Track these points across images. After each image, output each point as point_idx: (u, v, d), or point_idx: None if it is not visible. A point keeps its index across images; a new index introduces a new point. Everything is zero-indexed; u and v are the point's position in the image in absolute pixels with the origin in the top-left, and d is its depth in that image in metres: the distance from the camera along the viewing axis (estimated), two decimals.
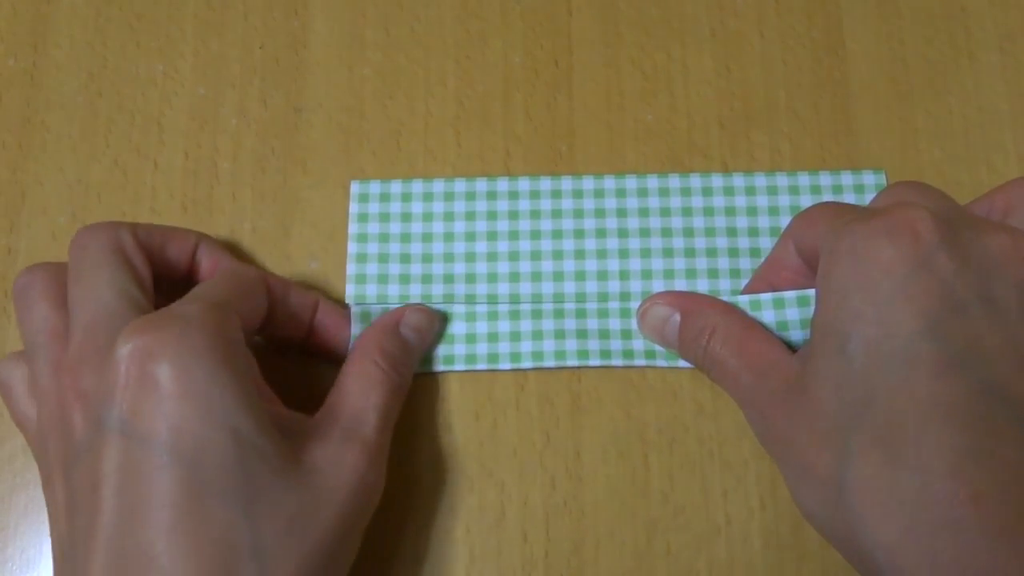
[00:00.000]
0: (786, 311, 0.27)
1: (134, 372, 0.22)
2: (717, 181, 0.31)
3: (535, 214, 0.31)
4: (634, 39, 0.33)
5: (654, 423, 0.29)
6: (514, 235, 0.31)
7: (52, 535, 0.24)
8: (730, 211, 0.31)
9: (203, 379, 0.22)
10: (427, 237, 0.31)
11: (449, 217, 0.31)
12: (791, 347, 0.26)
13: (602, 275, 0.30)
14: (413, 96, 0.32)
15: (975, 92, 0.32)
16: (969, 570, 0.19)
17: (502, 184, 0.31)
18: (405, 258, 0.30)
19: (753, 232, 0.30)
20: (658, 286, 0.30)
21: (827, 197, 0.31)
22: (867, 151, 0.32)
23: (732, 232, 0.31)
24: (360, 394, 0.26)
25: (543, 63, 0.33)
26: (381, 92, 0.33)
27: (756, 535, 0.28)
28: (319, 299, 0.29)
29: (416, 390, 0.29)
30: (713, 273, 0.30)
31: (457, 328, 0.30)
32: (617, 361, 0.29)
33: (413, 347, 0.28)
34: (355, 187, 0.31)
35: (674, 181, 0.31)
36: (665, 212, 0.31)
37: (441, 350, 0.30)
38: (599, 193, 0.31)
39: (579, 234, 0.31)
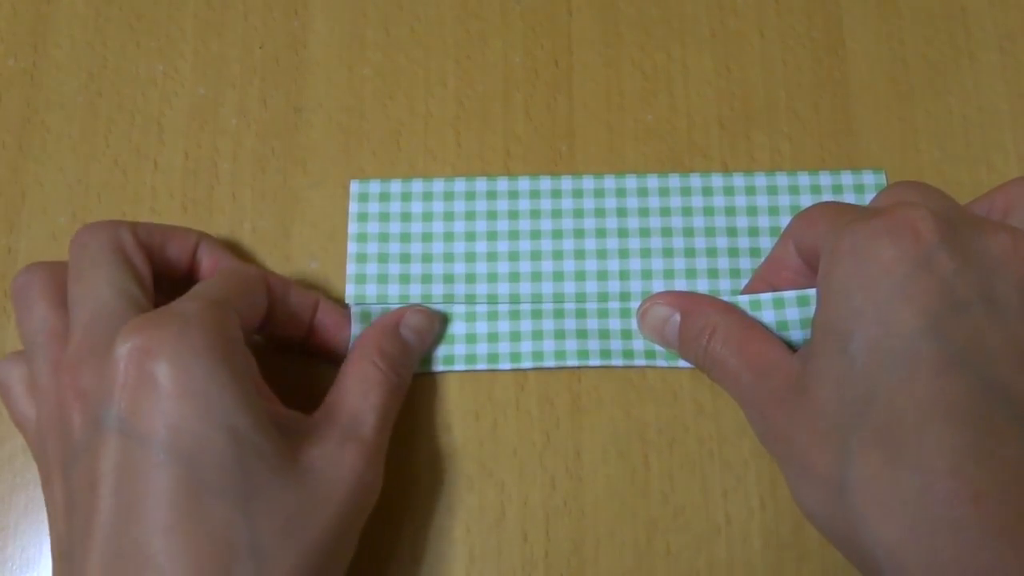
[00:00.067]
0: (786, 311, 0.27)
1: (133, 371, 0.22)
2: (717, 181, 0.31)
3: (535, 214, 0.31)
4: (634, 39, 0.33)
5: (654, 423, 0.29)
6: (514, 235, 0.31)
7: (51, 534, 0.24)
8: (730, 211, 0.31)
9: (201, 377, 0.22)
10: (427, 237, 0.31)
11: (449, 217, 0.31)
12: (791, 347, 0.26)
13: (602, 275, 0.30)
14: (413, 96, 0.32)
15: (975, 92, 0.32)
16: (970, 569, 0.19)
17: (502, 184, 0.31)
18: (405, 258, 0.30)
19: (753, 232, 0.30)
20: (658, 286, 0.30)
21: (827, 197, 0.31)
22: (867, 151, 0.32)
23: (732, 232, 0.31)
24: (359, 394, 0.26)
25: (543, 63, 0.33)
26: (381, 92, 0.33)
27: (756, 535, 0.28)
28: (319, 298, 0.29)
29: (416, 390, 0.29)
30: (713, 273, 0.30)
31: (457, 328, 0.30)
32: (617, 361, 0.29)
33: (413, 348, 0.28)
34: (355, 186, 0.31)
35: (674, 181, 0.31)
36: (665, 212, 0.31)
37: (441, 350, 0.30)
38: (599, 193, 0.31)
39: (579, 234, 0.31)
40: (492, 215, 0.31)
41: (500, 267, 0.30)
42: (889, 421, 0.21)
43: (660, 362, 0.29)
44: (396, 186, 0.31)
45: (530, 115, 0.32)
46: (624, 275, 0.30)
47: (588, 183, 0.31)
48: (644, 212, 0.31)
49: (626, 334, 0.30)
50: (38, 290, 0.25)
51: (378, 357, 0.27)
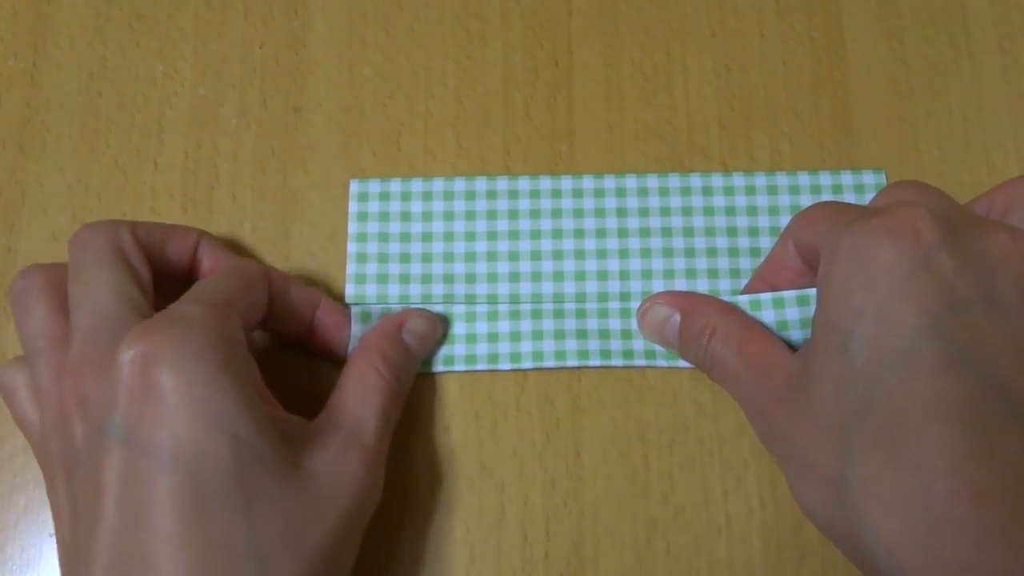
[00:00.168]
0: (786, 311, 0.27)
1: (135, 380, 0.22)
2: (717, 181, 0.31)
3: (535, 213, 0.31)
4: (634, 39, 0.33)
5: (654, 423, 0.29)
6: (514, 235, 0.31)
7: (57, 536, 0.24)
8: (730, 211, 0.31)
9: (204, 385, 0.22)
10: (427, 237, 0.31)
11: (449, 216, 0.31)
12: (791, 347, 0.26)
13: (602, 275, 0.30)
14: (413, 96, 0.32)
15: (975, 92, 0.32)
16: (971, 568, 0.19)
17: (502, 183, 0.31)
18: (405, 258, 0.30)
19: (753, 232, 0.30)
20: (658, 286, 0.30)
21: (827, 197, 0.31)
22: (867, 151, 0.32)
23: (732, 232, 0.31)
24: (360, 400, 0.26)
25: (543, 63, 0.33)
26: (381, 92, 0.33)
27: (756, 535, 0.28)
28: (320, 296, 0.29)
29: (416, 390, 0.29)
30: (713, 273, 0.30)
31: (457, 328, 0.30)
32: (617, 361, 0.29)
33: (415, 353, 0.29)
34: (354, 186, 0.31)
35: (674, 181, 0.31)
36: (665, 212, 0.31)
37: (441, 350, 0.30)
38: (599, 192, 0.31)
39: (579, 234, 0.31)
40: (492, 215, 0.31)
41: (500, 267, 0.30)
42: (889, 420, 0.21)
43: (660, 362, 0.29)
44: (396, 185, 0.31)
45: (530, 115, 0.32)
46: (624, 275, 0.30)
47: (588, 183, 0.31)
48: (644, 212, 0.31)
49: (626, 334, 0.30)
50: (37, 293, 0.25)
51: (380, 362, 0.27)
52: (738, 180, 0.31)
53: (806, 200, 0.31)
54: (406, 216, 0.31)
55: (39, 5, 0.33)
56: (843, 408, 0.22)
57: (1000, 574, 0.19)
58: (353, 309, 0.30)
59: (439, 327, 0.29)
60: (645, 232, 0.31)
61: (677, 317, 0.28)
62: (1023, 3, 0.33)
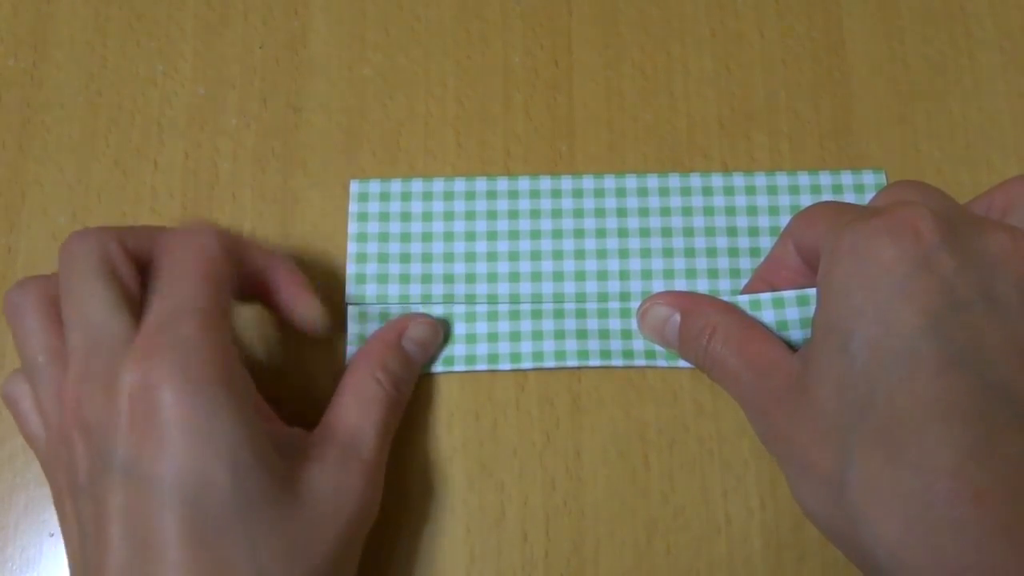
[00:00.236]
0: (786, 311, 0.27)
1: (135, 410, 0.22)
2: (717, 181, 0.31)
3: (535, 214, 0.31)
4: (634, 39, 0.33)
5: (654, 423, 0.29)
6: (514, 235, 0.31)
7: (67, 551, 0.24)
8: (730, 211, 0.31)
9: (204, 413, 0.22)
10: (427, 237, 0.31)
11: (449, 216, 0.31)
12: (791, 347, 0.26)
13: (602, 275, 0.30)
14: (413, 96, 0.32)
15: (975, 92, 0.32)
16: (971, 568, 0.19)
17: (502, 183, 0.31)
18: (405, 258, 0.30)
19: (753, 232, 0.30)
20: (658, 286, 0.30)
21: (827, 197, 0.31)
22: (867, 151, 0.32)
23: (732, 232, 0.31)
24: (359, 411, 0.26)
25: (543, 63, 0.33)
26: (381, 92, 0.33)
27: (756, 535, 0.28)
28: (279, 260, 0.28)
29: (416, 390, 0.29)
30: (713, 273, 0.30)
31: (457, 328, 0.30)
32: (617, 361, 0.29)
33: (415, 362, 0.29)
34: (354, 186, 0.31)
35: (674, 181, 0.31)
36: (665, 212, 0.31)
37: (442, 350, 0.30)
38: (599, 193, 0.31)
39: (579, 234, 0.31)
40: (492, 215, 0.31)
41: (500, 267, 0.30)
42: (890, 420, 0.21)
43: (660, 362, 0.29)
44: (396, 186, 0.31)
45: (530, 115, 0.32)
46: (624, 275, 0.30)
47: (588, 183, 0.31)
48: (644, 212, 0.31)
49: (626, 334, 0.30)
50: (32, 308, 0.25)
51: (381, 373, 0.27)
52: (738, 180, 0.31)
53: (806, 200, 0.31)
54: (406, 216, 0.31)
55: (39, 5, 0.33)
56: (843, 408, 0.22)
57: (1000, 574, 0.19)
58: (349, 310, 0.30)
59: (440, 333, 0.29)
60: (645, 232, 0.31)
61: (677, 317, 0.28)
62: (1023, 3, 0.33)
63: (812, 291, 0.26)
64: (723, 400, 0.29)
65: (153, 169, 0.32)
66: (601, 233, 0.31)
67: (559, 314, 0.30)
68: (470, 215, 0.31)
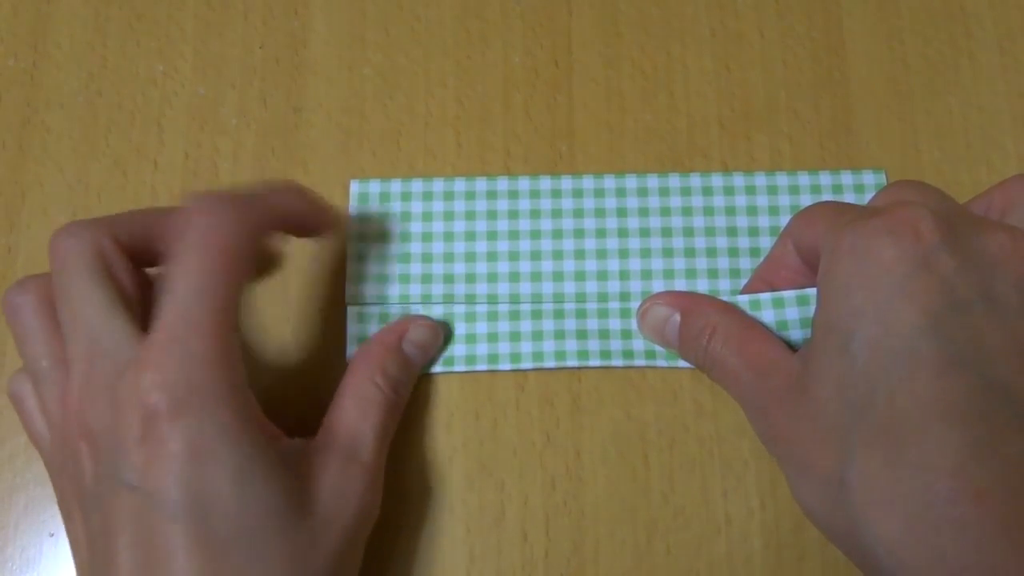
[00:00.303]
0: (785, 310, 0.27)
1: (141, 428, 0.22)
2: (717, 181, 0.31)
3: (535, 214, 0.31)
4: (634, 39, 0.33)
5: (654, 423, 0.29)
6: (514, 235, 0.31)
7: (75, 558, 0.24)
8: (730, 211, 0.31)
9: (213, 437, 0.22)
10: (427, 237, 0.31)
11: (449, 217, 0.31)
12: (791, 346, 0.26)
13: (602, 275, 0.30)
14: (413, 96, 0.32)
15: (975, 92, 0.32)
16: (973, 568, 0.19)
17: (502, 183, 0.31)
18: (404, 258, 0.30)
19: (753, 232, 0.30)
20: (658, 286, 0.30)
21: (827, 197, 0.31)
22: (867, 151, 0.32)
23: (732, 232, 0.31)
24: (358, 414, 0.26)
25: (543, 63, 0.33)
26: (381, 92, 0.33)
27: (756, 535, 0.28)
28: (290, 199, 0.27)
29: (416, 390, 0.29)
30: (713, 273, 0.30)
31: (457, 328, 0.30)
32: (617, 361, 0.29)
33: (415, 364, 0.29)
34: (355, 186, 0.31)
35: (674, 180, 0.31)
36: (665, 212, 0.31)
37: (442, 351, 0.30)
38: (599, 193, 0.31)
39: (579, 234, 0.31)
40: (492, 215, 0.31)
41: (500, 267, 0.30)
42: (890, 420, 0.21)
43: (660, 362, 0.29)
44: (396, 186, 0.31)
45: (530, 115, 0.32)
46: (624, 275, 0.30)
47: (588, 183, 0.31)
48: (644, 212, 0.31)
49: (626, 334, 0.30)
50: (32, 309, 0.25)
51: (380, 376, 0.27)
52: (738, 180, 0.31)
53: (806, 200, 0.31)
54: (406, 216, 0.31)
55: (39, 5, 0.33)
56: (843, 408, 0.22)
57: (1001, 573, 0.19)
58: (350, 309, 0.30)
59: (440, 335, 0.29)
60: (645, 232, 0.31)
61: (677, 317, 0.28)
62: (1023, 3, 0.33)
63: (812, 291, 0.26)
64: (723, 400, 0.29)
65: (153, 169, 0.32)
66: (601, 233, 0.31)
67: (559, 314, 0.30)
68: (470, 215, 0.31)
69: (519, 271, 0.30)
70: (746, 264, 0.30)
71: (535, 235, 0.31)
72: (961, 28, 0.33)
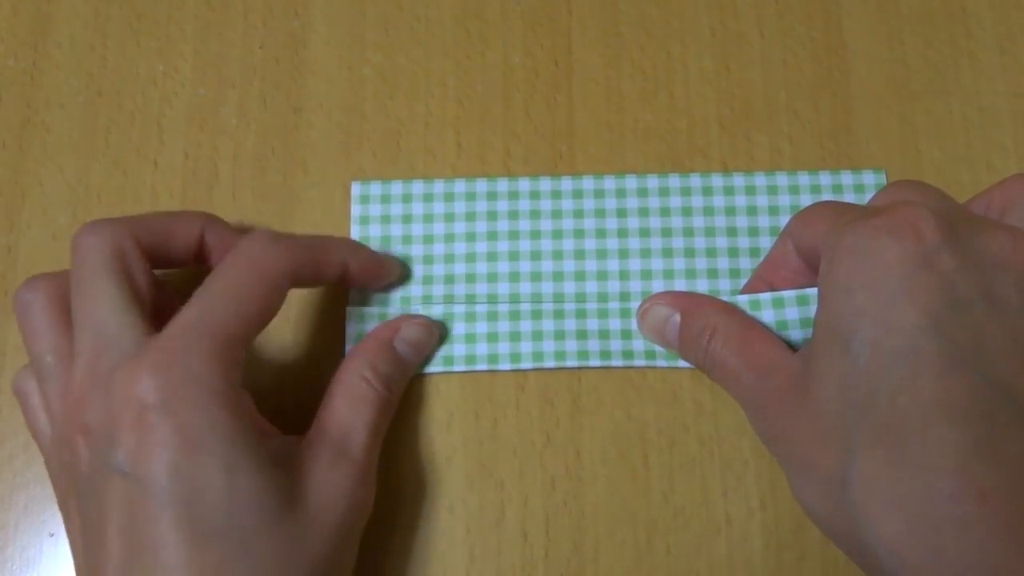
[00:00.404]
0: (785, 310, 0.27)
1: (134, 417, 0.22)
2: (717, 181, 0.31)
3: (535, 214, 0.31)
4: (634, 39, 0.33)
5: (654, 423, 0.29)
6: (514, 235, 0.31)
7: (72, 552, 0.25)
8: (730, 211, 0.31)
9: (203, 428, 0.22)
10: (428, 239, 0.31)
11: (450, 218, 0.31)
12: (791, 346, 0.26)
13: (602, 275, 0.30)
14: (413, 96, 0.32)
15: (975, 92, 0.32)
16: (975, 567, 0.19)
17: (502, 184, 0.31)
18: (406, 260, 0.30)
19: (753, 232, 0.30)
20: (658, 286, 0.30)
21: (827, 197, 0.31)
22: (867, 151, 0.32)
23: (732, 232, 0.31)
24: (349, 411, 0.26)
25: (543, 63, 0.33)
26: (381, 92, 0.33)
27: (756, 535, 0.28)
28: (347, 254, 0.28)
29: (417, 390, 0.29)
30: (713, 273, 0.30)
31: (457, 328, 0.30)
32: (617, 361, 0.29)
33: (408, 362, 0.28)
34: (356, 188, 0.31)
35: (674, 181, 0.31)
36: (665, 212, 0.31)
37: (441, 350, 0.30)
38: (599, 193, 0.31)
39: (579, 234, 0.31)
40: (492, 216, 0.31)
41: (500, 267, 0.30)
42: (892, 420, 0.21)
43: (660, 362, 0.29)
44: (397, 187, 0.31)
45: (530, 115, 0.32)
46: (624, 275, 0.30)
47: (588, 183, 0.31)
48: (644, 212, 0.31)
49: (626, 334, 0.30)
50: (41, 307, 0.25)
51: (370, 373, 0.27)
52: (738, 180, 0.31)
53: (806, 200, 0.31)
54: (407, 218, 0.31)
55: (39, 5, 0.33)
56: (845, 407, 0.22)
57: (1004, 573, 0.19)
58: (350, 310, 0.30)
59: (435, 334, 0.29)
60: (645, 232, 0.31)
61: (677, 317, 0.28)
62: (1023, 3, 0.33)
63: (812, 291, 0.26)
64: (723, 400, 0.29)
65: (153, 169, 0.32)
66: (601, 233, 0.31)
67: (559, 314, 0.30)
68: (470, 216, 0.31)
69: (519, 271, 0.30)
70: (746, 264, 0.30)
71: (535, 235, 0.31)
72: (961, 28, 0.33)
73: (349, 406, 0.26)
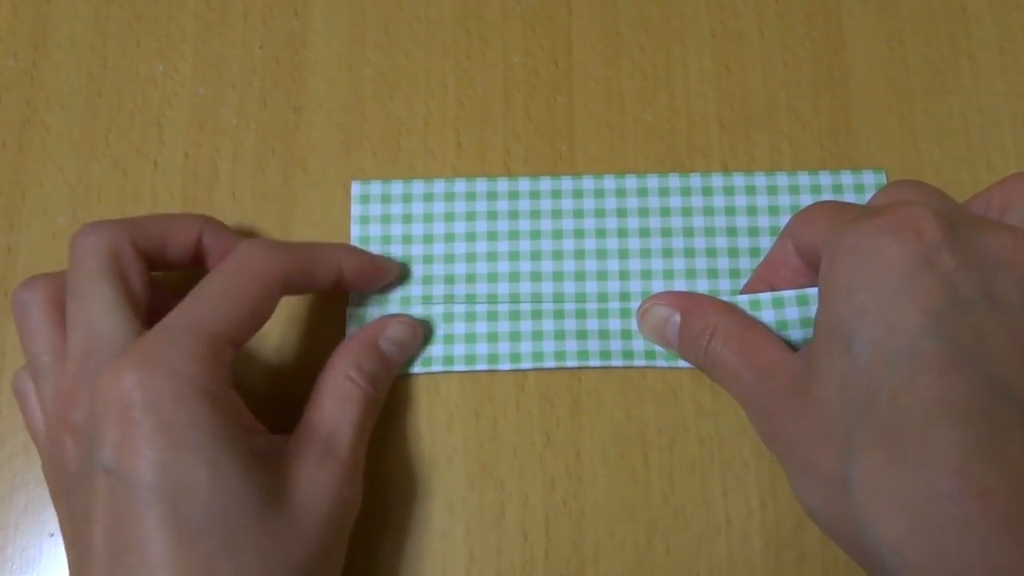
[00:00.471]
0: (785, 310, 0.27)
1: (118, 415, 0.22)
2: (717, 181, 0.31)
3: (535, 214, 0.31)
4: (634, 39, 0.33)
5: (654, 423, 0.29)
6: (514, 235, 0.31)
7: (65, 548, 0.25)
8: (730, 211, 0.31)
9: (186, 426, 0.22)
10: (428, 239, 0.31)
11: (450, 218, 0.31)
12: (791, 346, 0.26)
13: (602, 275, 0.30)
14: (413, 96, 0.32)
15: (975, 92, 0.32)
16: (976, 566, 0.19)
17: (502, 184, 0.31)
18: (406, 260, 0.30)
19: (753, 232, 0.30)
20: (658, 286, 0.30)
21: (827, 197, 0.31)
22: (867, 151, 0.32)
23: (732, 232, 0.31)
24: (335, 410, 0.26)
25: (543, 63, 0.33)
26: (381, 92, 0.33)
27: (756, 535, 0.28)
28: (343, 259, 0.28)
29: (417, 390, 0.29)
30: (713, 273, 0.30)
31: (457, 328, 0.30)
32: (617, 361, 0.29)
33: (392, 361, 0.28)
34: (356, 188, 0.31)
35: (674, 181, 0.31)
36: (665, 212, 0.31)
37: (441, 350, 0.30)
38: (599, 193, 0.31)
39: (579, 234, 0.31)
40: (492, 215, 0.31)
41: (500, 267, 0.30)
42: (893, 419, 0.21)
43: (660, 362, 0.29)
44: (397, 187, 0.31)
45: (530, 115, 0.32)
46: (624, 275, 0.30)
47: (588, 183, 0.31)
48: (644, 212, 0.31)
49: (626, 334, 0.30)
50: (39, 308, 0.26)
51: (355, 372, 0.27)
52: (738, 180, 0.31)
53: (806, 200, 0.31)
54: (407, 218, 0.31)
55: (39, 5, 0.33)
56: (846, 407, 0.22)
57: (1005, 572, 0.19)
58: (349, 310, 0.30)
59: (419, 333, 0.29)
60: (645, 232, 0.31)
61: (677, 317, 0.28)
62: (1023, 3, 0.33)
63: (812, 291, 0.26)
64: (723, 400, 0.29)
65: (153, 169, 0.32)
66: (601, 233, 0.31)
67: (559, 314, 0.30)
68: (471, 216, 0.31)
69: (519, 271, 0.30)
70: (746, 264, 0.30)
71: (535, 235, 0.31)
72: (961, 28, 0.33)
73: (335, 405, 0.26)
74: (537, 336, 0.30)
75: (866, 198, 0.31)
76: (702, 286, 0.30)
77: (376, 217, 0.31)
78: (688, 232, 0.31)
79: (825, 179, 0.31)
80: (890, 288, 0.21)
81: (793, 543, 0.28)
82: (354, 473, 0.26)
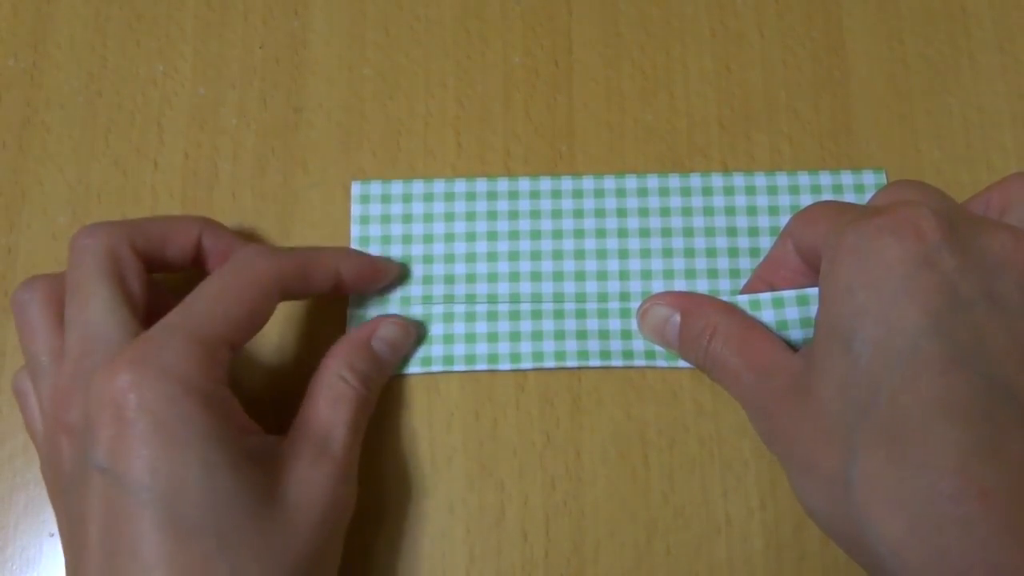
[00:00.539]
0: (785, 310, 0.27)
1: (112, 414, 0.22)
2: (717, 181, 0.31)
3: (535, 214, 0.31)
4: (634, 39, 0.33)
5: (654, 423, 0.29)
6: (514, 235, 0.31)
7: (62, 544, 0.25)
8: (730, 211, 0.31)
9: (178, 426, 0.22)
10: (428, 239, 0.31)
11: (450, 218, 0.31)
12: (791, 346, 0.26)
13: (602, 275, 0.30)
14: (413, 96, 0.32)
15: (975, 92, 0.32)
16: (977, 566, 0.19)
17: (502, 184, 0.31)
18: (406, 259, 0.30)
19: (753, 232, 0.30)
20: (658, 286, 0.30)
21: (827, 197, 0.31)
22: (867, 151, 0.32)
23: (732, 232, 0.31)
24: (329, 410, 0.26)
25: (543, 63, 0.33)
26: (381, 92, 0.33)
27: (756, 535, 0.28)
28: (341, 261, 0.28)
29: (417, 390, 0.29)
30: (713, 273, 0.30)
31: (457, 328, 0.30)
32: (617, 362, 0.29)
33: (385, 361, 0.29)
34: (356, 188, 0.31)
35: (674, 181, 0.31)
36: (665, 212, 0.31)
37: (441, 350, 0.30)
38: (599, 193, 0.31)
39: (579, 234, 0.31)
40: (492, 215, 0.31)
41: (500, 267, 0.30)
42: (893, 419, 0.21)
43: (660, 362, 0.29)
44: (397, 187, 0.31)
45: (530, 115, 0.32)
46: (624, 275, 0.30)
47: (588, 183, 0.31)
48: (644, 212, 0.31)
49: (626, 334, 0.30)
50: (38, 308, 0.26)
51: (347, 372, 0.27)
52: (738, 180, 0.31)
53: (806, 200, 0.31)
54: (407, 218, 0.31)
55: (39, 5, 0.33)
56: (846, 407, 0.22)
57: (1006, 572, 0.19)
58: (350, 310, 0.30)
59: (412, 333, 0.29)
60: (645, 232, 0.31)
61: (677, 317, 0.28)
62: (1023, 3, 0.33)
63: (812, 291, 0.26)
64: (723, 400, 0.29)
65: (153, 169, 0.32)
66: (601, 233, 0.31)
67: (559, 314, 0.30)
68: (471, 216, 0.31)
69: (519, 271, 0.30)
70: (746, 264, 0.30)
71: (535, 235, 0.31)
72: (961, 28, 0.33)
73: (329, 405, 0.26)
74: (537, 336, 0.30)
75: (866, 198, 0.31)
76: (702, 286, 0.30)
77: (376, 217, 0.31)
78: (688, 232, 0.31)
79: (825, 179, 0.31)
80: (890, 288, 0.21)
81: (793, 543, 0.28)
82: (348, 473, 0.26)
